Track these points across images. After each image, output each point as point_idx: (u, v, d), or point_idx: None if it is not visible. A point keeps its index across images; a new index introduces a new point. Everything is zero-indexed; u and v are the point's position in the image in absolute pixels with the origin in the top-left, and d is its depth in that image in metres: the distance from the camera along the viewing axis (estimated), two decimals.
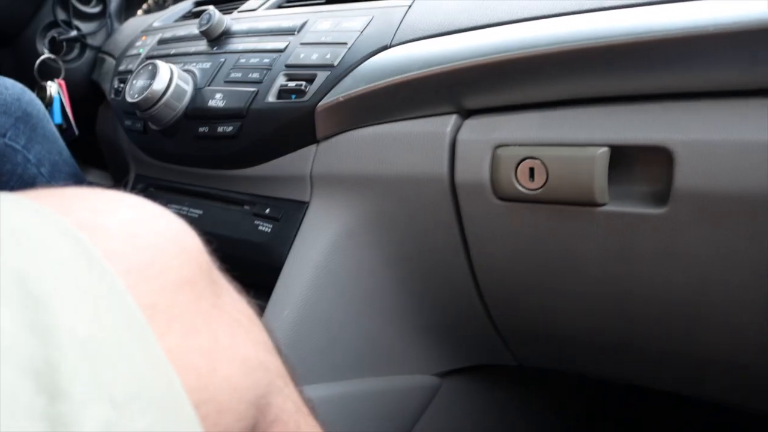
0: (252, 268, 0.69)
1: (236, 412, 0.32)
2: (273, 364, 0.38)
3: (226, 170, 0.72)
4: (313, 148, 0.65)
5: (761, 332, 0.53)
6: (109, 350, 0.25)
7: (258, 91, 0.66)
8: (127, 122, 0.82)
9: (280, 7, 0.81)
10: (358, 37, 0.64)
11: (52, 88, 1.04)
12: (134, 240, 0.31)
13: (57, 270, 0.26)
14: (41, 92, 1.04)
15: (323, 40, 0.66)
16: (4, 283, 0.24)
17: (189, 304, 0.32)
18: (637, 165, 0.52)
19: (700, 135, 0.47)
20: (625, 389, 0.94)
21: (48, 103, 1.03)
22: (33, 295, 0.24)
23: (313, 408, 0.42)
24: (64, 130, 1.03)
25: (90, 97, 1.08)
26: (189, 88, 0.72)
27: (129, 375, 0.25)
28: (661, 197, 0.50)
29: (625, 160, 0.52)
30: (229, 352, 0.33)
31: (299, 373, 0.62)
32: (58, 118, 1.03)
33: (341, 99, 0.61)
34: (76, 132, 1.05)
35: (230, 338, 0.34)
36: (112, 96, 0.90)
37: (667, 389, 0.70)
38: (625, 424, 1.05)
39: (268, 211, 0.68)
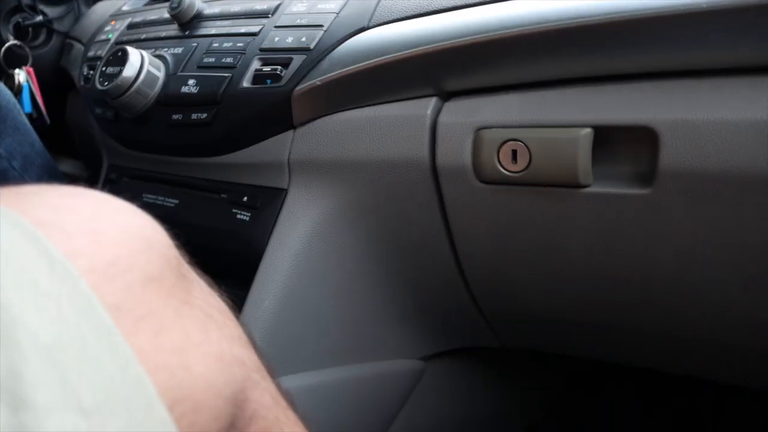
0: (231, 257, 0.68)
1: (213, 410, 0.31)
2: (248, 358, 0.37)
3: (202, 158, 0.70)
4: (290, 133, 0.64)
5: (744, 310, 0.53)
6: (75, 355, 0.24)
7: (232, 77, 0.64)
8: (98, 110, 0.79)
9: None
10: (335, 19, 0.62)
11: (21, 75, 1.01)
12: (97, 237, 0.30)
13: (17, 274, 0.25)
14: (9, 81, 1.01)
15: (298, 22, 0.64)
16: None
17: (157, 302, 0.31)
18: (621, 145, 0.51)
19: (684, 114, 0.47)
20: (607, 367, 0.94)
21: (17, 91, 1.00)
22: None
23: (292, 401, 0.41)
24: (34, 119, 1.00)
25: (59, 84, 1.05)
26: (161, 75, 0.70)
27: (97, 379, 0.24)
28: (646, 178, 0.49)
29: (608, 140, 0.51)
30: (203, 348, 0.32)
31: (281, 363, 0.62)
32: (28, 107, 1.00)
33: (318, 83, 0.60)
34: (48, 121, 1.02)
35: (203, 334, 0.33)
36: (82, 83, 0.87)
37: (649, 366, 0.70)
38: (607, 400, 1.05)
39: (245, 199, 0.67)
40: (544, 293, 0.61)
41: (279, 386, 0.40)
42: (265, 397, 0.37)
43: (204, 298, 0.36)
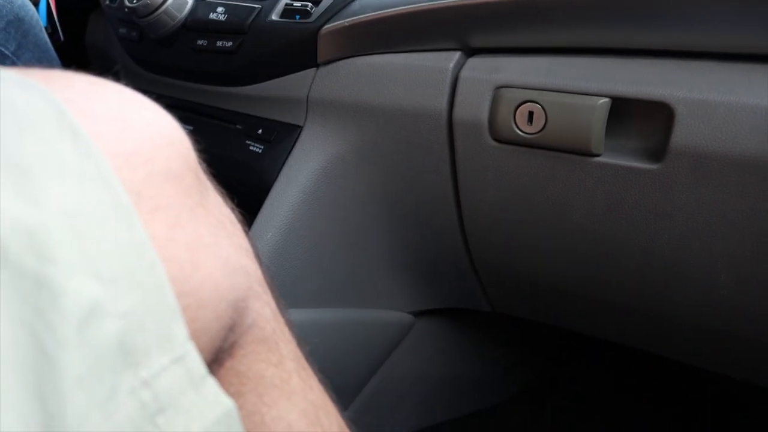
0: (239, 188, 0.69)
1: (215, 310, 0.32)
2: (253, 270, 0.38)
3: (222, 87, 0.71)
4: (312, 71, 0.64)
5: (732, 296, 0.54)
6: (95, 229, 0.25)
7: (262, 8, 0.65)
8: (122, 30, 0.80)
9: None
10: None
11: None
12: (122, 125, 0.30)
13: (42, 144, 0.25)
14: None
15: None
16: None
17: (175, 197, 0.31)
18: (635, 120, 0.52)
19: (702, 94, 0.47)
20: (599, 341, 0.95)
21: (34, 3, 0.99)
22: (17, 165, 0.23)
23: (290, 321, 0.42)
24: (49, 34, 1.00)
25: (79, 4, 1.05)
26: None
27: (114, 255, 0.25)
28: (656, 154, 0.50)
29: (624, 113, 0.52)
30: (212, 250, 0.32)
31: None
32: (44, 21, 1.00)
33: (346, 24, 0.60)
34: (62, 37, 1.02)
35: (213, 237, 0.33)
36: (107, 2, 0.87)
37: (636, 346, 0.72)
38: (592, 374, 1.06)
39: (260, 131, 0.67)
40: (541, 259, 0.62)
41: (279, 303, 0.41)
42: (265, 310, 0.38)
43: (217, 205, 0.36)
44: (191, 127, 0.74)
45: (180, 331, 0.27)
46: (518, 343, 1.00)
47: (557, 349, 1.08)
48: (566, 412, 1.00)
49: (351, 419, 0.43)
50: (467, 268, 0.69)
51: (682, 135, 0.48)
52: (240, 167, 0.69)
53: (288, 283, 0.64)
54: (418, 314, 0.78)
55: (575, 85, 0.52)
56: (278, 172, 0.65)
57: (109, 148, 0.28)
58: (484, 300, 0.75)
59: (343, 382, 0.72)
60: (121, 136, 0.30)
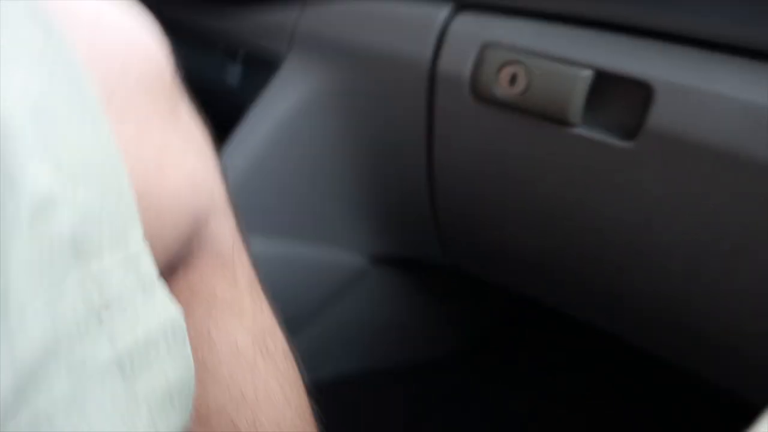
0: (213, 111, 0.68)
1: (174, 217, 0.32)
2: (217, 188, 0.38)
3: (208, 6, 0.69)
4: (300, 3, 0.63)
5: (685, 280, 0.55)
6: (60, 117, 0.24)
7: None
8: None
9: None
10: None
11: None
12: (100, 28, 0.29)
13: (13, 35, 0.24)
14: None
15: None
16: None
17: (147, 104, 0.31)
18: (615, 95, 0.52)
19: (683, 80, 0.48)
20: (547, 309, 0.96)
21: None
22: None
23: (248, 244, 0.42)
24: None
25: None
26: None
27: (77, 145, 0.24)
28: (630, 131, 0.51)
29: (605, 88, 0.52)
30: (179, 159, 0.32)
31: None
32: None
33: None
34: None
35: (181, 150, 0.33)
36: None
37: (587, 319, 0.73)
38: (541, 338, 1.08)
39: (241, 55, 0.66)
40: (503, 219, 0.63)
41: (240, 224, 0.41)
42: (225, 228, 0.38)
43: (189, 121, 0.36)
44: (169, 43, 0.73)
45: (135, 231, 0.26)
46: (476, 301, 1.01)
47: (505, 312, 1.09)
48: (501, 375, 1.02)
49: (296, 350, 0.43)
50: (428, 216, 0.69)
51: (658, 116, 0.48)
52: (217, 89, 0.68)
53: (249, 210, 0.64)
54: (375, 262, 0.79)
55: (561, 53, 0.52)
56: (255, 99, 0.64)
57: (85, 49, 0.28)
58: (442, 253, 0.75)
59: (290, 314, 0.73)
60: (97, 38, 0.29)
